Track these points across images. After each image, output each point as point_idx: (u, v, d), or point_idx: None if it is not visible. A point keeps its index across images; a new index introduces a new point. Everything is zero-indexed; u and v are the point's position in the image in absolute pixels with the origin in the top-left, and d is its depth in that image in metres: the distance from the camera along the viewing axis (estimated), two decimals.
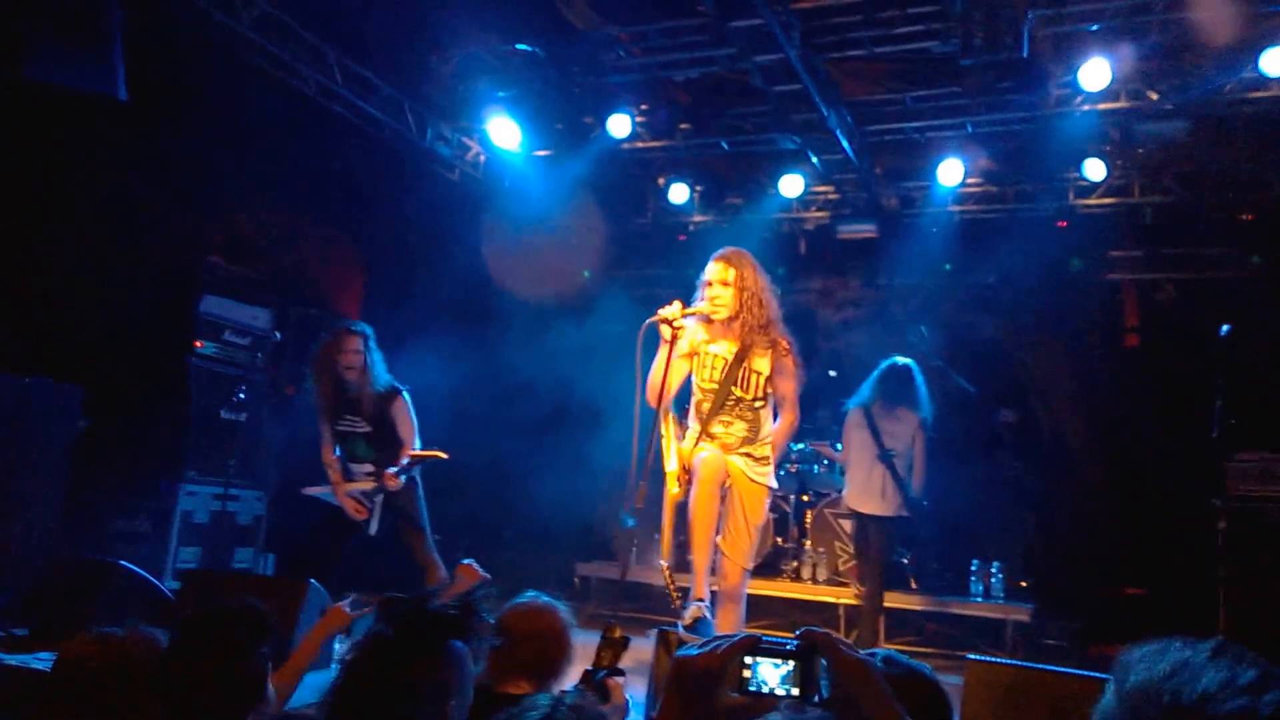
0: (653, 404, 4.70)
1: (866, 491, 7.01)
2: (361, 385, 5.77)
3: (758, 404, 4.82)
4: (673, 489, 4.77)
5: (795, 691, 1.71)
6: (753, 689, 1.71)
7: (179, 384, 6.87)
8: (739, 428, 4.79)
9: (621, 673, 3.06)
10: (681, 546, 5.84)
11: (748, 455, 4.82)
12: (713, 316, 4.71)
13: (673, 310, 4.49)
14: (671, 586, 4.77)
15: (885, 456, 6.94)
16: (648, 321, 4.50)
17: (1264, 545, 5.85)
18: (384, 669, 1.88)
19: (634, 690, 3.27)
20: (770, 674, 1.72)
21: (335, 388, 5.82)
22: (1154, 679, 1.21)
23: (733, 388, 4.72)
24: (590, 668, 3.04)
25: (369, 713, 1.85)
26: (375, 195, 8.69)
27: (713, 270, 4.75)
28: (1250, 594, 5.81)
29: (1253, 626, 5.65)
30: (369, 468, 5.86)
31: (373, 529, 5.85)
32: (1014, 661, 4.67)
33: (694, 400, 4.89)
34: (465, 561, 4.04)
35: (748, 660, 1.72)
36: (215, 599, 2.64)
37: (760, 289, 4.75)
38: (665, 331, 4.53)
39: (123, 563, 5.42)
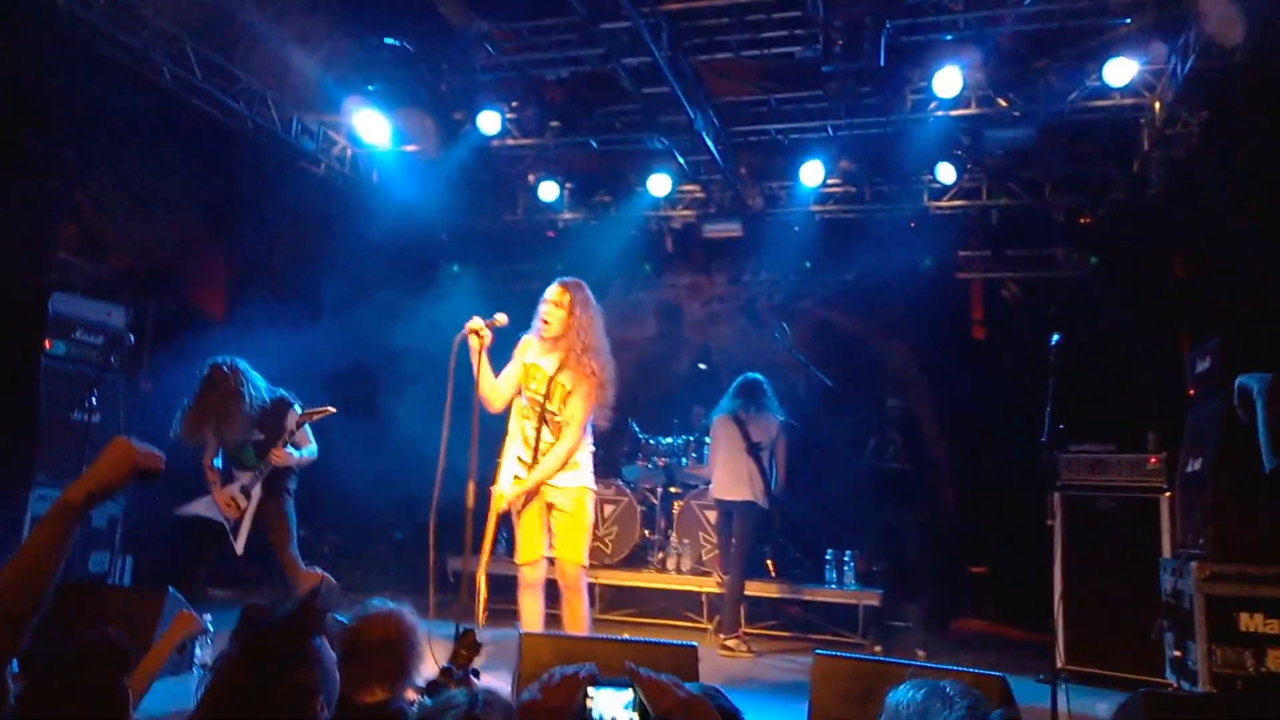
0: (490, 410, 5.01)
1: (735, 481, 7.41)
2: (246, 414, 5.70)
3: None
4: (499, 503, 5.06)
5: (636, 716, 1.87)
6: (597, 718, 1.87)
7: (28, 385, 6.55)
8: (551, 435, 5.08)
9: (477, 673, 3.24)
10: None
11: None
12: (544, 334, 5.08)
13: (476, 322, 4.77)
14: (483, 605, 4.92)
15: (754, 450, 7.38)
16: (458, 336, 4.75)
17: (1091, 527, 6.46)
18: (246, 682, 1.91)
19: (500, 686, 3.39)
20: (611, 703, 1.87)
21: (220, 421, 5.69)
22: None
23: (548, 401, 5.06)
24: (448, 664, 3.17)
25: None
26: (238, 190, 8.46)
27: (551, 292, 5.15)
28: (1081, 571, 6.42)
29: (1084, 598, 6.30)
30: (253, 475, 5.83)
31: (239, 547, 5.79)
32: (858, 655, 5.01)
33: (519, 409, 5.17)
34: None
35: (590, 693, 1.87)
36: (71, 625, 2.58)
37: (589, 317, 5.13)
38: (474, 341, 4.80)
39: None
